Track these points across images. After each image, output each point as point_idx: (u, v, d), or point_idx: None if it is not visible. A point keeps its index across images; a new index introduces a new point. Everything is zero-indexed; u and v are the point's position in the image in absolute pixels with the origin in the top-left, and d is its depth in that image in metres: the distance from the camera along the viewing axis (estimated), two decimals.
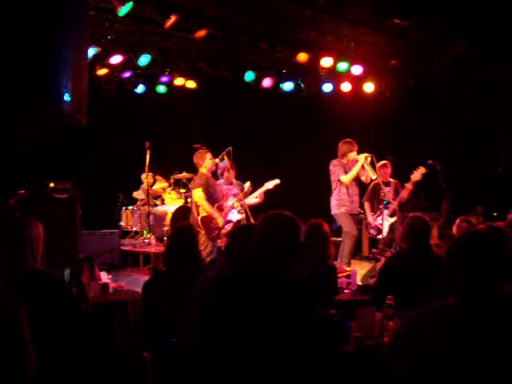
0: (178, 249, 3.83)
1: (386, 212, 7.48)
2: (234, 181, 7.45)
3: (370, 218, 7.66)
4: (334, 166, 7.47)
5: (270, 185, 7.45)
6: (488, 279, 2.03)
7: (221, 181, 7.44)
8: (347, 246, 7.27)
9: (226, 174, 7.39)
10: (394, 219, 7.43)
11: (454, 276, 2.08)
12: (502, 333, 1.94)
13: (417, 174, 7.38)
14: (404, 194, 7.49)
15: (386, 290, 3.55)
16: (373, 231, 7.64)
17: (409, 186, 7.47)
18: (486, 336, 1.94)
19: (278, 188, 7.55)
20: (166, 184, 9.85)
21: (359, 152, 7.42)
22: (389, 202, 7.41)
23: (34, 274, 3.01)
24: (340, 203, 7.39)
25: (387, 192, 7.44)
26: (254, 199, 7.44)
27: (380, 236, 7.46)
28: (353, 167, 7.37)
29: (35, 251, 3.07)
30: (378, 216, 7.54)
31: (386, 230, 7.47)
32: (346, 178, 7.34)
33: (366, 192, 7.75)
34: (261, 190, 7.45)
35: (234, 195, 7.36)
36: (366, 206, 7.76)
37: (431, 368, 1.94)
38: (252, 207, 7.30)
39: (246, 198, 7.34)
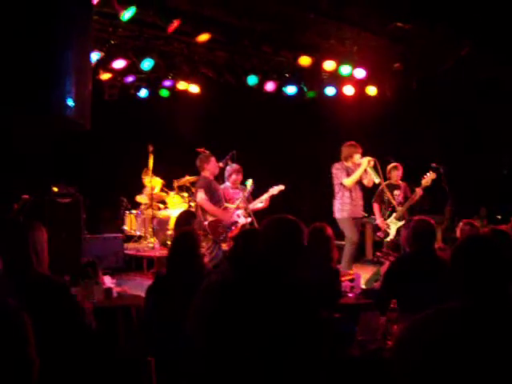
0: (180, 253, 3.83)
1: (393, 215, 7.44)
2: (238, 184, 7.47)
3: (379, 219, 7.55)
4: (337, 170, 7.45)
5: (274, 190, 7.53)
6: (492, 282, 2.02)
7: (227, 184, 7.45)
8: (348, 252, 7.23)
9: (233, 177, 7.39)
10: (401, 223, 7.37)
11: (458, 279, 2.08)
12: (506, 337, 1.94)
13: (428, 179, 7.32)
14: (414, 198, 7.40)
15: (390, 293, 3.54)
16: (380, 234, 7.58)
17: (419, 190, 7.36)
18: (490, 340, 1.93)
19: (281, 192, 7.58)
20: (160, 181, 9.82)
21: (363, 155, 7.41)
22: (394, 207, 7.39)
23: (39, 279, 3.02)
24: (343, 207, 7.38)
25: (390, 196, 7.42)
26: (259, 204, 7.50)
27: (387, 239, 7.42)
28: (356, 170, 7.36)
29: (40, 255, 3.08)
30: (385, 219, 7.49)
31: (393, 233, 7.43)
32: (349, 181, 7.33)
33: (376, 194, 7.68)
34: (266, 196, 7.52)
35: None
36: (376, 207, 7.65)
37: (434, 372, 1.93)
38: (256, 211, 7.34)
39: (249, 198, 7.37)
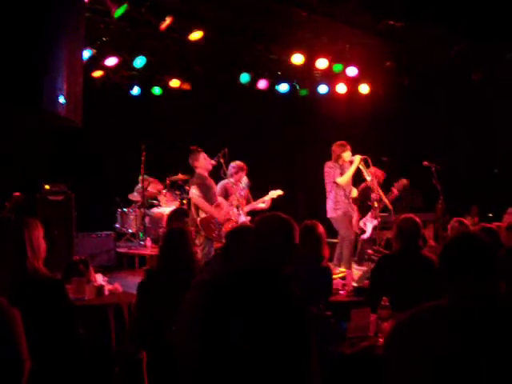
0: (171, 249, 3.84)
1: (369, 214, 7.55)
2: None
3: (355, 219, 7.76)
4: (330, 168, 7.40)
5: (273, 194, 7.79)
6: (480, 280, 2.03)
7: (231, 180, 7.43)
8: (345, 250, 7.17)
9: (239, 174, 7.43)
10: (376, 222, 7.54)
11: (447, 277, 2.08)
12: (494, 334, 1.95)
13: (400, 184, 7.88)
14: (389, 197, 7.72)
15: (378, 290, 3.56)
16: (357, 231, 7.71)
17: (394, 190, 7.83)
18: (478, 337, 1.94)
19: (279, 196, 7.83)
20: (160, 187, 9.83)
21: (354, 153, 7.41)
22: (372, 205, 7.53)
23: (35, 276, 3.02)
24: (337, 206, 7.35)
25: (376, 195, 7.47)
26: (260, 204, 7.75)
27: (364, 236, 7.55)
28: (348, 168, 7.35)
29: (36, 252, 3.09)
30: (363, 218, 7.63)
31: (369, 230, 7.55)
32: (342, 180, 7.29)
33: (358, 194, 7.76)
34: (267, 198, 7.77)
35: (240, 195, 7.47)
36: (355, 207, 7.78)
37: (424, 369, 1.94)
38: (254, 211, 7.48)
39: (247, 196, 7.47)
